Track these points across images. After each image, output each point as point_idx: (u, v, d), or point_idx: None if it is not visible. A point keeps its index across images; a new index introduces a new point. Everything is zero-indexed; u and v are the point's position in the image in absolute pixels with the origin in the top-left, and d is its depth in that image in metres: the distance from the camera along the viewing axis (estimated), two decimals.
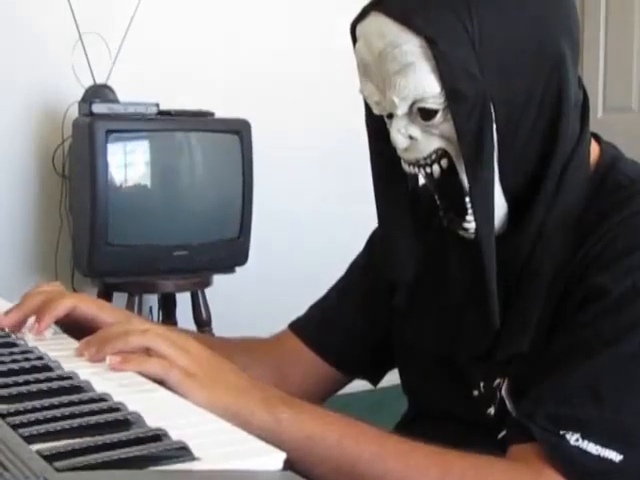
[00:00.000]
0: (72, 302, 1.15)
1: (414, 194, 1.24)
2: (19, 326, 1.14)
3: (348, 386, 1.45)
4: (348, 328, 1.38)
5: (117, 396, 0.83)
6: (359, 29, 1.11)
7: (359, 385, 1.49)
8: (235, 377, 0.99)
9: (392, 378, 1.37)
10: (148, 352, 0.97)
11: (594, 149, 1.17)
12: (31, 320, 1.14)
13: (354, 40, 1.13)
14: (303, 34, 4.14)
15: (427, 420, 1.26)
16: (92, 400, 0.82)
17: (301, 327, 1.41)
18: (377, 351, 1.38)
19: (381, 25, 1.06)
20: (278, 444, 0.74)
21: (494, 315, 1.10)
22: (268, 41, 4.05)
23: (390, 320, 1.34)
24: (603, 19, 4.89)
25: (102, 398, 0.83)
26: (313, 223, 4.19)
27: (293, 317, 1.44)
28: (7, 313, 1.14)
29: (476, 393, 1.18)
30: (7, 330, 1.11)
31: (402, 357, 1.34)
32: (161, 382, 0.93)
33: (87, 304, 1.18)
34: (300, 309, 1.44)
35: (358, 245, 1.44)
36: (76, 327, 1.16)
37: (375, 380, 1.43)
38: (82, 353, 1.00)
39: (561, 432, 0.98)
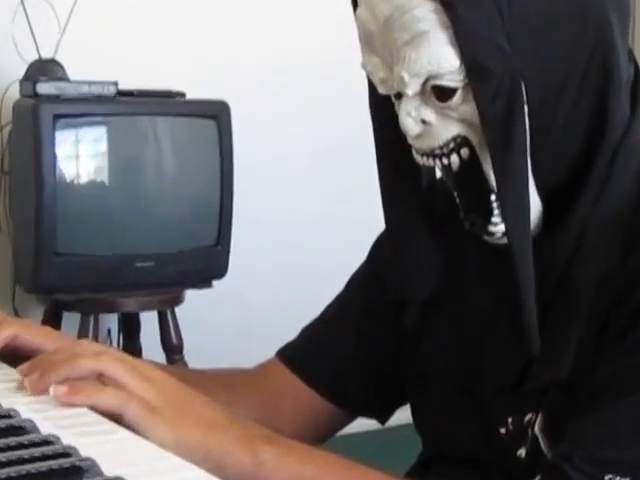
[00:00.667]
0: (13, 331, 1.14)
1: (429, 192, 1.25)
2: None
3: (352, 424, 1.46)
4: (347, 356, 1.38)
5: (66, 438, 0.83)
6: None
7: (365, 423, 1.49)
8: (207, 410, 0.99)
9: (403, 415, 1.37)
10: (102, 380, 0.96)
11: None
12: None
13: (355, 5, 1.13)
14: (294, 5, 4.16)
15: (445, 464, 1.26)
16: (36, 444, 0.82)
17: (291, 355, 1.41)
18: (383, 383, 1.38)
19: None
20: None
21: (534, 339, 1.09)
22: (252, 7, 4.06)
23: (398, 345, 1.34)
24: None
25: (48, 441, 0.83)
26: (306, 228, 4.20)
27: (281, 342, 1.44)
28: None
29: (503, 431, 1.18)
30: None
31: (414, 389, 1.34)
32: (118, 417, 0.92)
33: (31, 332, 1.17)
34: (289, 332, 1.44)
35: (359, 256, 1.44)
36: (18, 359, 1.16)
37: (383, 417, 1.43)
38: (23, 384, 0.99)
39: (606, 477, 0.98)
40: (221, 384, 1.40)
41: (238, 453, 0.94)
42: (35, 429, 0.86)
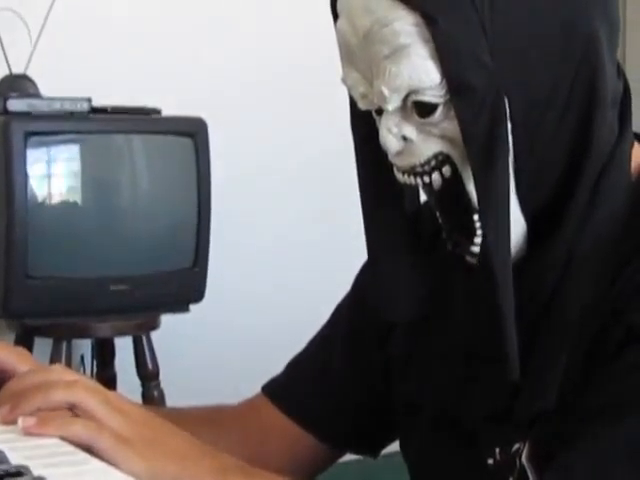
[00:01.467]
0: None
1: (411, 210, 1.25)
2: None
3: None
4: (334, 392, 1.39)
5: (37, 469, 0.83)
6: (341, 3, 1.11)
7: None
8: (179, 442, 0.99)
9: (392, 445, 1.37)
10: (73, 411, 0.96)
11: (637, 154, 1.17)
12: None
13: (335, 17, 1.13)
14: (276, 12, 4.17)
15: None
16: (7, 474, 0.82)
17: (277, 392, 1.42)
18: (373, 416, 1.38)
19: None
20: None
21: (513, 365, 1.09)
22: (231, 21, 4.08)
23: (385, 376, 1.34)
24: None
25: (18, 472, 0.82)
26: (287, 249, 4.20)
27: (263, 368, 1.44)
28: None
29: (491, 462, 1.18)
30: None
31: (402, 419, 1.34)
32: (89, 449, 0.92)
33: (4, 353, 1.16)
34: (270, 358, 1.44)
35: (342, 278, 1.44)
36: None
37: (374, 452, 1.44)
38: None
39: None
40: (205, 421, 1.40)
41: None
42: (5, 459, 0.86)
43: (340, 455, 1.42)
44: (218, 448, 1.27)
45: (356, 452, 1.43)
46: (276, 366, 1.45)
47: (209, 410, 1.45)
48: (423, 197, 1.22)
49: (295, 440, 1.38)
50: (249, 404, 1.43)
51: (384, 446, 1.43)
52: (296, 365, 1.43)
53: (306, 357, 1.44)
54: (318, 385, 1.39)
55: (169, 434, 0.99)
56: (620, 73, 1.16)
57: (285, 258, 4.17)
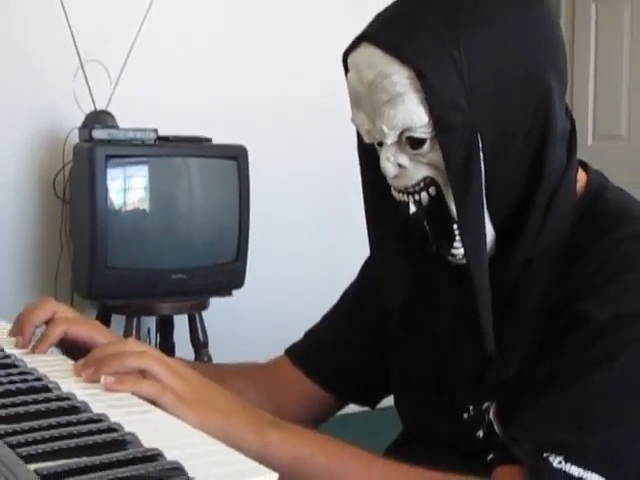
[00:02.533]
0: (61, 329, 1.15)
1: (405, 221, 1.25)
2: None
3: (348, 408, 1.45)
4: (343, 355, 1.38)
5: (114, 417, 0.84)
6: (351, 59, 1.11)
7: (356, 407, 1.48)
8: (225, 400, 0.99)
9: (388, 400, 1.37)
10: (143, 374, 0.97)
11: (581, 177, 1.17)
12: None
13: (346, 70, 1.13)
14: (301, 62, 4.15)
15: (419, 442, 1.25)
16: (89, 421, 0.82)
17: (297, 354, 1.41)
18: (373, 376, 1.38)
19: (371, 56, 1.07)
20: (266, 465, 0.74)
21: (489, 341, 1.10)
22: (267, 68, 4.06)
23: (384, 345, 1.34)
24: (593, 50, 4.91)
25: (99, 419, 0.83)
26: (310, 247, 4.19)
27: (290, 340, 1.43)
28: (17, 333, 1.15)
29: (466, 416, 1.18)
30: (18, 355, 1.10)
31: (396, 380, 1.34)
32: (154, 403, 0.93)
33: (79, 326, 1.17)
34: (296, 332, 1.44)
35: (352, 270, 1.44)
36: (73, 347, 1.17)
37: (372, 404, 1.43)
38: (79, 374, 1.00)
39: (545, 455, 0.97)
40: (239, 375, 1.40)
41: (249, 435, 0.94)
42: (88, 409, 0.87)
43: (343, 406, 1.42)
44: (247, 396, 1.28)
45: (358, 404, 1.42)
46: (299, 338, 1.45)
47: (242, 366, 1.45)
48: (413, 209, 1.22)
49: (309, 393, 1.38)
50: (274, 363, 1.43)
51: (380, 399, 1.42)
52: (312, 334, 1.43)
53: (320, 328, 1.43)
54: (329, 351, 1.39)
55: (216, 394, 0.99)
56: (568, 113, 1.16)
57: (308, 254, 4.16)
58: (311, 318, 1.45)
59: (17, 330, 1.18)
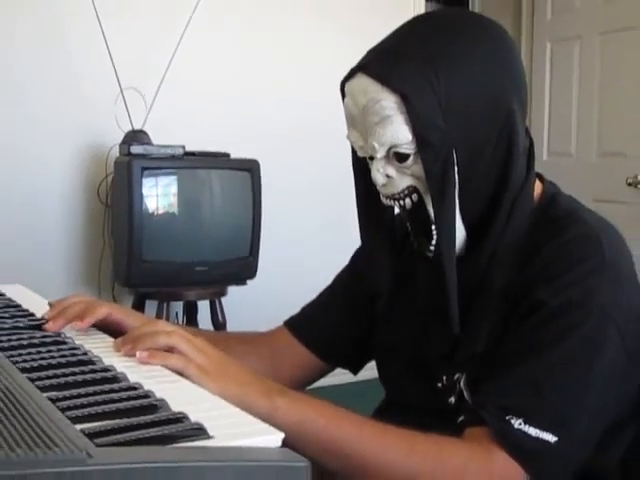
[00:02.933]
0: (106, 310, 1.15)
1: (390, 222, 1.24)
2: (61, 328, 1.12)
3: (337, 379, 1.45)
4: (333, 327, 1.38)
5: (147, 385, 0.84)
6: (347, 87, 1.11)
7: (346, 378, 1.48)
8: (241, 372, 0.98)
9: (373, 373, 1.36)
10: (172, 350, 0.97)
11: (538, 187, 1.17)
12: (73, 324, 1.13)
13: (343, 96, 1.13)
14: (307, 88, 4.15)
15: (400, 407, 1.26)
16: (127, 389, 0.83)
17: (294, 324, 1.40)
18: (356, 346, 1.37)
19: (364, 84, 1.07)
20: (274, 427, 0.74)
21: (455, 323, 1.10)
22: (277, 94, 4.07)
23: (370, 324, 1.33)
24: (548, 81, 4.94)
25: (134, 387, 0.83)
26: (311, 244, 4.19)
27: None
28: (50, 320, 1.11)
29: (440, 385, 1.18)
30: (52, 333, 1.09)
31: (380, 355, 1.33)
32: (180, 374, 0.93)
33: (118, 311, 1.18)
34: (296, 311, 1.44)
35: (344, 262, 1.44)
36: (107, 330, 1.16)
37: (355, 370, 1.42)
38: (119, 349, 1.00)
39: (507, 418, 0.98)
40: (242, 341, 1.39)
41: (260, 401, 0.94)
42: (126, 379, 0.87)
43: (330, 370, 1.41)
44: (249, 359, 1.29)
45: (343, 368, 1.41)
46: None
47: (246, 334, 1.44)
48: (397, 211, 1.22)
49: (303, 358, 1.37)
50: (273, 332, 1.42)
51: (362, 366, 1.41)
52: (307, 309, 1.42)
53: (314, 305, 1.42)
54: (322, 323, 1.38)
55: (233, 366, 0.99)
56: (527, 133, 1.16)
57: (310, 250, 4.16)
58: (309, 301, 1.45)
59: (55, 314, 1.13)
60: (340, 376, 1.44)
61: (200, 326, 3.53)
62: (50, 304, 1.19)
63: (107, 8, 3.44)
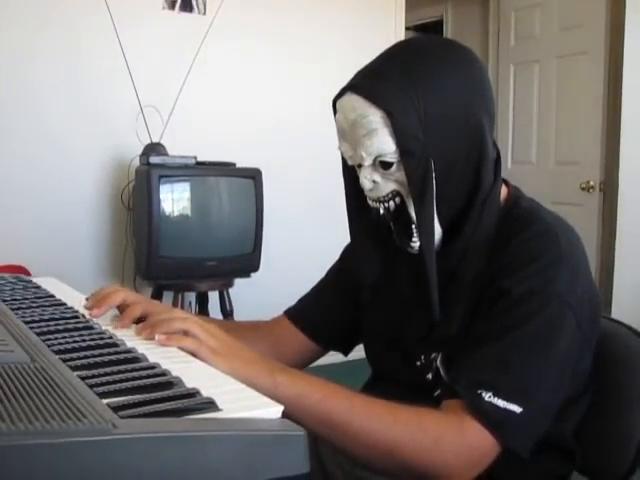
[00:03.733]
0: (122, 295, 1.09)
1: (376, 222, 1.24)
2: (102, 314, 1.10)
3: (331, 359, 1.45)
4: (327, 315, 1.37)
5: (164, 365, 0.83)
6: (338, 104, 1.11)
7: (337, 358, 1.48)
8: (247, 353, 0.98)
9: (361, 353, 1.36)
10: (186, 334, 0.96)
11: (504, 191, 1.18)
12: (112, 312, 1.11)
13: (334, 111, 1.13)
14: (304, 105, 4.15)
15: (385, 383, 1.25)
16: (146, 367, 0.82)
17: (292, 313, 1.40)
18: (347, 331, 1.37)
19: (353, 101, 1.06)
20: (276, 401, 0.74)
21: (435, 310, 1.10)
22: (276, 112, 4.07)
23: (358, 311, 1.33)
24: (511, 98, 4.95)
25: (153, 366, 0.83)
26: (308, 243, 4.19)
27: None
28: (95, 304, 1.08)
29: (419, 363, 1.18)
30: (93, 316, 1.08)
31: (367, 338, 1.33)
32: (194, 355, 0.92)
33: (145, 303, 1.11)
34: (295, 301, 1.43)
35: (336, 258, 1.44)
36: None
37: (346, 351, 1.42)
38: (140, 333, 0.99)
39: (478, 391, 0.98)
40: (250, 329, 1.39)
41: (264, 379, 0.93)
42: (146, 359, 0.86)
43: (325, 353, 1.40)
44: (256, 344, 1.28)
45: (336, 350, 1.40)
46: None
47: (253, 323, 1.44)
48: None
49: (301, 342, 1.37)
50: (277, 321, 1.41)
51: (352, 348, 1.40)
52: (304, 300, 1.42)
53: (310, 296, 1.42)
54: (317, 312, 1.38)
55: (240, 348, 0.98)
56: (495, 144, 1.16)
57: (306, 248, 4.16)
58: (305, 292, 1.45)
59: (94, 303, 1.13)
60: (333, 356, 1.44)
61: (210, 314, 3.54)
62: (87, 299, 1.16)
63: (128, 36, 3.44)
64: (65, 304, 1.17)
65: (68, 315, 1.07)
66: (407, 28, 4.74)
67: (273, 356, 1.14)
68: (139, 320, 1.06)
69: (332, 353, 1.42)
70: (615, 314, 3.66)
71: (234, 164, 3.47)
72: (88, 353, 0.87)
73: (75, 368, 0.80)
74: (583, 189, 4.38)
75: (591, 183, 4.34)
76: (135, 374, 0.79)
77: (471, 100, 1.07)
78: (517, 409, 0.98)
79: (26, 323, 1.00)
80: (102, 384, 0.74)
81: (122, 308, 1.10)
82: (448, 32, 5.45)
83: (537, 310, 1.02)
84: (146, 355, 0.87)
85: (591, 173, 4.35)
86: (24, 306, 1.13)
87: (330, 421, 0.97)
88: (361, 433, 0.97)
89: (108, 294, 1.11)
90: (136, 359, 0.86)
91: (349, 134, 1.09)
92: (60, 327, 0.99)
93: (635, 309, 3.62)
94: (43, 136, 3.39)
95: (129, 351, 0.89)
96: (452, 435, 0.98)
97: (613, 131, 4.16)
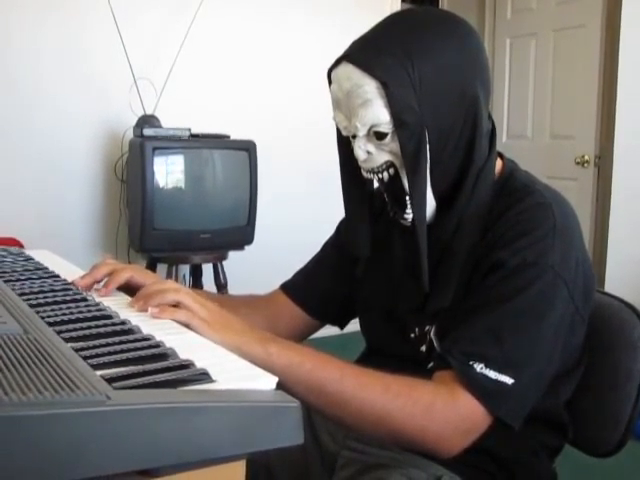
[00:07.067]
0: (130, 273, 1.11)
1: (370, 193, 1.24)
2: (90, 287, 1.11)
3: (326, 331, 1.45)
4: (323, 289, 1.37)
5: (158, 337, 0.83)
6: (333, 74, 1.10)
7: (332, 331, 1.48)
8: (238, 324, 0.98)
9: (355, 327, 1.37)
10: (178, 305, 0.96)
11: (498, 163, 1.17)
12: (100, 284, 1.12)
13: (330, 82, 1.12)
14: (299, 77, 4.13)
15: (379, 356, 1.26)
16: (140, 339, 0.82)
17: (289, 288, 1.40)
18: (343, 305, 1.37)
19: (349, 71, 1.05)
20: (268, 372, 0.74)
21: (425, 281, 1.10)
22: (271, 83, 4.04)
23: (353, 284, 1.33)
24: (507, 72, 4.92)
25: (147, 338, 0.83)
26: (300, 216, 4.19)
27: (284, 279, 1.43)
28: (83, 277, 1.11)
29: (412, 336, 1.18)
30: (81, 289, 1.09)
31: (361, 311, 1.33)
32: (186, 326, 0.92)
33: (140, 275, 1.13)
34: (289, 274, 1.43)
35: (329, 231, 1.43)
36: (127, 287, 1.14)
37: (342, 325, 1.42)
38: (133, 305, 0.99)
39: (470, 362, 0.99)
40: (245, 303, 1.39)
41: (256, 349, 0.93)
42: (139, 331, 0.86)
43: (321, 327, 1.41)
44: (252, 318, 1.28)
45: (331, 324, 1.41)
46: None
47: (249, 297, 1.43)
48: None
49: (297, 316, 1.37)
50: (271, 295, 1.41)
51: (348, 322, 1.40)
52: (300, 274, 1.41)
53: (306, 269, 1.42)
54: (312, 286, 1.38)
55: (232, 319, 0.98)
56: (490, 117, 1.15)
57: (299, 220, 4.16)
58: (300, 265, 1.44)
59: (104, 284, 1.12)
60: (330, 329, 1.44)
61: (205, 286, 3.54)
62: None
63: (122, 8, 3.40)
64: (58, 276, 1.16)
65: (61, 287, 1.07)
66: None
67: (269, 330, 1.14)
68: (127, 288, 1.06)
69: (327, 326, 1.42)
70: (609, 288, 3.67)
71: (228, 136, 3.45)
72: (82, 325, 0.86)
73: (69, 340, 0.80)
74: (578, 163, 4.38)
75: (586, 157, 4.34)
76: (129, 345, 0.79)
77: (467, 72, 1.07)
78: (508, 380, 0.98)
79: (19, 295, 1.00)
80: (96, 356, 0.74)
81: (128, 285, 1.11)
82: (444, 4, 5.41)
83: (530, 282, 1.02)
84: (140, 327, 0.87)
85: (586, 147, 4.34)
86: (16, 278, 1.12)
87: (321, 390, 0.97)
88: (352, 402, 0.97)
89: (115, 271, 1.10)
90: (130, 331, 0.86)
91: (344, 104, 1.08)
92: (53, 299, 0.99)
93: (629, 283, 3.64)
94: (34, 107, 3.36)
95: (123, 323, 0.89)
96: (443, 404, 0.98)
97: (609, 106, 4.15)
